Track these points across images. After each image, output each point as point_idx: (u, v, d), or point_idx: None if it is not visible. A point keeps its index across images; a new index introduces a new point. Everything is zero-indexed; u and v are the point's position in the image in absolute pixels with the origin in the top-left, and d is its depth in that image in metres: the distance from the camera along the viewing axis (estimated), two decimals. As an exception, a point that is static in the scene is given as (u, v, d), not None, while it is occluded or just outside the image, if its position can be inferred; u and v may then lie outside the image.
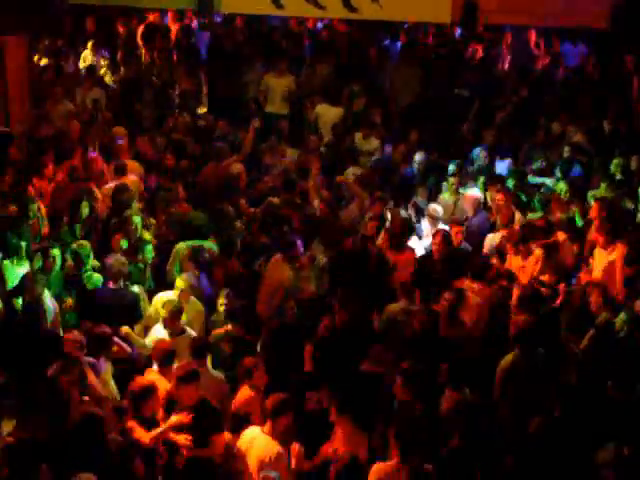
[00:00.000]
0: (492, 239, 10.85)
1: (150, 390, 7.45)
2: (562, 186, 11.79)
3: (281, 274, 9.79)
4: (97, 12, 16.98)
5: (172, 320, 8.94)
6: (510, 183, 11.96)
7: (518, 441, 7.40)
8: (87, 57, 16.03)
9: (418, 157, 12.87)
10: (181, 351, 8.53)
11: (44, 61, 15.81)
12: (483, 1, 14.40)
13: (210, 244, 10.38)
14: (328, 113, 14.54)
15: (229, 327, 9.21)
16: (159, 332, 9.03)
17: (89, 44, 16.12)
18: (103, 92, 14.87)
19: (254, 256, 10.41)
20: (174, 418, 7.30)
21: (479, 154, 13.11)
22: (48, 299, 9.19)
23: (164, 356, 8.21)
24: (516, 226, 10.69)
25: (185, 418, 7.25)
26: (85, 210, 10.74)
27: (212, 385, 8.07)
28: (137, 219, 10.59)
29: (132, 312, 9.37)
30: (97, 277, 9.81)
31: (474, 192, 11.72)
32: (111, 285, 9.46)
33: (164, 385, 7.80)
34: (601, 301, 8.85)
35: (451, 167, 12.26)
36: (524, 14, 14.50)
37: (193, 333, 9.01)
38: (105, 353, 8.40)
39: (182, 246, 10.31)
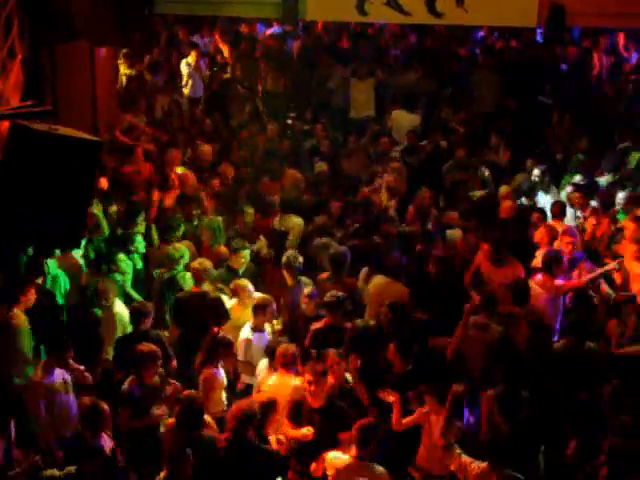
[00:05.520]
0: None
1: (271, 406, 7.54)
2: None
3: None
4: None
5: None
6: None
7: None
8: (193, 62, 16.33)
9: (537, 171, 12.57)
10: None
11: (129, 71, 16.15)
12: (570, 3, 14.09)
13: None
14: (403, 119, 14.57)
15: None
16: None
17: (193, 51, 16.42)
18: (181, 100, 15.14)
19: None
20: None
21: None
22: (118, 305, 9.42)
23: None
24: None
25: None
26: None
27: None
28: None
29: (219, 314, 9.34)
30: (189, 276, 9.92)
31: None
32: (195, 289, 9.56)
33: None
34: None
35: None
36: (614, 16, 14.16)
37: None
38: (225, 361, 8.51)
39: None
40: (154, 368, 7.98)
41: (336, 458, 7.27)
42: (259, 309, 9.05)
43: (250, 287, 9.49)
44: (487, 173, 12.84)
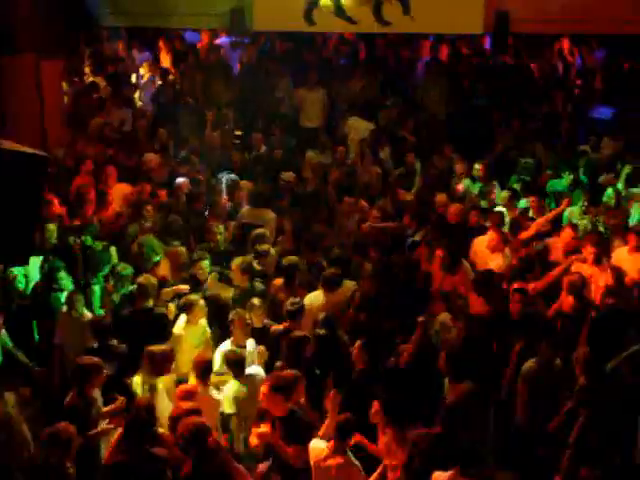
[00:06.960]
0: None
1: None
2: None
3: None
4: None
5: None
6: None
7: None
8: (145, 74, 16.22)
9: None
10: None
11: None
12: (514, 10, 14.27)
13: None
14: (359, 127, 14.67)
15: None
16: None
17: (145, 64, 16.36)
18: (130, 112, 15.05)
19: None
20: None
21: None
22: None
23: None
24: None
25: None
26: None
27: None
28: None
29: (161, 331, 9.19)
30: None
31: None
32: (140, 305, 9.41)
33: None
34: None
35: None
36: (557, 22, 14.36)
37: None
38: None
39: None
40: (96, 382, 7.80)
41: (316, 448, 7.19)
42: (230, 323, 8.87)
43: (202, 303, 9.30)
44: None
